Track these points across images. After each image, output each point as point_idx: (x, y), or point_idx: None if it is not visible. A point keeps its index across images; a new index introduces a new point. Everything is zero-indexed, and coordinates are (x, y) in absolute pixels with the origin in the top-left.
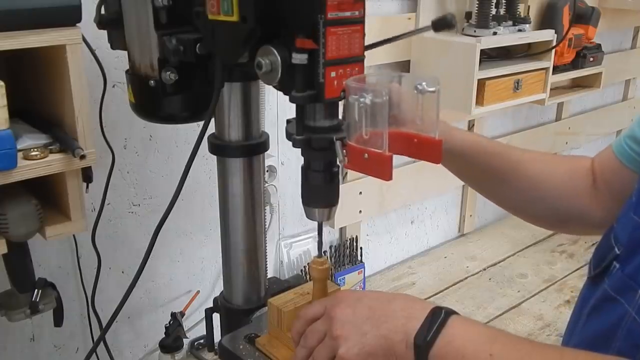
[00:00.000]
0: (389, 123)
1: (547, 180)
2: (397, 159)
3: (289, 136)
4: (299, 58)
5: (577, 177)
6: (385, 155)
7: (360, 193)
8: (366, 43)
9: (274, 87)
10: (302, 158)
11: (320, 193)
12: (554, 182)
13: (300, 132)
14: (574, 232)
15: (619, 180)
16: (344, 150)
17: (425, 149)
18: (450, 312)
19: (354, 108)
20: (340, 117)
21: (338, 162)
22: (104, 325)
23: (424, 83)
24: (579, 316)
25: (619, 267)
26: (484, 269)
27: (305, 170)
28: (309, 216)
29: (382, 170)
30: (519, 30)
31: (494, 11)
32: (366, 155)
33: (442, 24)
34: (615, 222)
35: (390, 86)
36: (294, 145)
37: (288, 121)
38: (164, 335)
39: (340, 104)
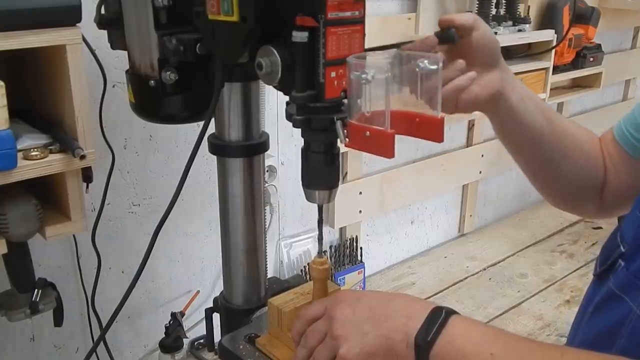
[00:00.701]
0: (390, 103)
1: (588, 151)
2: (398, 159)
3: (289, 117)
4: (299, 36)
5: (597, 151)
6: (388, 133)
7: (360, 193)
8: (366, 45)
9: (274, 87)
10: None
11: (320, 175)
12: (591, 155)
13: (300, 112)
14: (585, 211)
15: (618, 158)
16: (345, 131)
17: (427, 128)
18: (450, 312)
19: (356, 85)
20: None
21: (339, 143)
22: (104, 325)
23: (425, 61)
24: (583, 315)
25: (624, 265)
26: (484, 269)
27: (305, 151)
28: (309, 198)
29: (384, 147)
30: (519, 30)
31: (494, 11)
32: (368, 133)
33: (445, 38)
34: (622, 220)
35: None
36: (294, 126)
37: (288, 103)
38: (164, 335)
39: None
